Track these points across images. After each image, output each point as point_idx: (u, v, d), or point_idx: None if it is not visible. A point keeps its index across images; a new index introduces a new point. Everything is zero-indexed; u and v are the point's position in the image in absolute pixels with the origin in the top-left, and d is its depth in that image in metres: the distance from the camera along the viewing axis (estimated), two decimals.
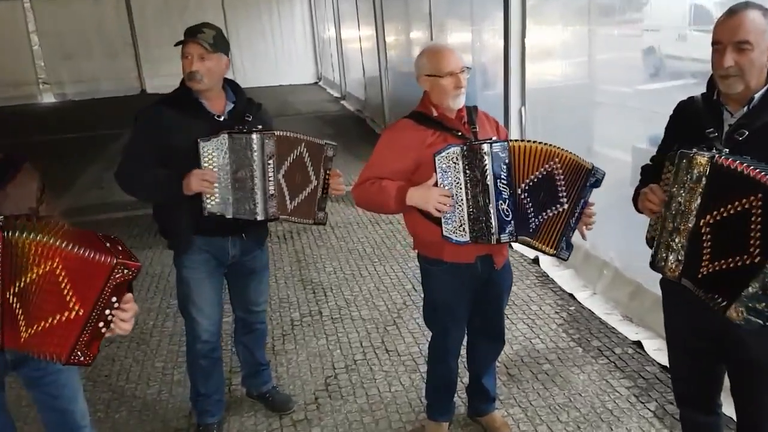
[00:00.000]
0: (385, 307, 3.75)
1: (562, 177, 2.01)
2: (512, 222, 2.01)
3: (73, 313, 1.47)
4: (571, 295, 3.72)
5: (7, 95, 12.90)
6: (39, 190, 1.82)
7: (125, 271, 1.46)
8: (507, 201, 1.99)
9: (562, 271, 4.01)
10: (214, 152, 2.20)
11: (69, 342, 1.49)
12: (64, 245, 1.47)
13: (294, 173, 2.30)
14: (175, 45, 2.27)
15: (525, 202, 2.02)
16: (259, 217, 2.23)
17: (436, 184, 2.02)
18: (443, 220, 2.04)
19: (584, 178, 2.01)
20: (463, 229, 2.04)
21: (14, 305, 1.53)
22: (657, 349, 3.07)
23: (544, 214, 2.04)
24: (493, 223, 1.99)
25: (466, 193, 2.00)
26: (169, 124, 2.24)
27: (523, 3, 4.05)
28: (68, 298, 1.47)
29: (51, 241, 1.48)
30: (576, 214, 2.03)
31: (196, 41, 2.20)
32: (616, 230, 3.36)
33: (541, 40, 4.13)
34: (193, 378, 2.58)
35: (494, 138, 2.08)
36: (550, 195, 2.02)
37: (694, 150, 1.62)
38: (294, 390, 2.96)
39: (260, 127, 2.27)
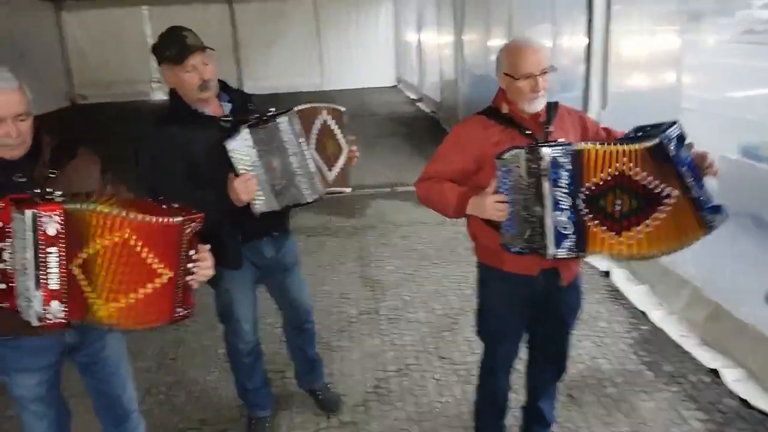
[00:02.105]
0: (443, 311, 3.47)
1: (638, 170, 1.67)
2: (573, 236, 1.69)
3: (165, 276, 1.48)
4: (643, 313, 3.27)
5: (124, 92, 13.71)
6: (101, 173, 1.76)
7: (192, 224, 1.48)
8: (565, 212, 1.67)
9: (635, 287, 3.55)
10: (242, 151, 1.95)
11: (168, 305, 1.50)
12: (125, 215, 1.45)
13: (324, 143, 2.04)
14: (176, 61, 1.98)
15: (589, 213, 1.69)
16: (309, 199, 2.01)
17: (495, 190, 1.73)
18: (502, 228, 1.75)
19: (664, 151, 1.63)
20: (521, 238, 1.73)
21: (78, 278, 1.47)
22: (737, 380, 2.63)
23: (646, 224, 1.69)
24: (549, 236, 1.69)
25: (526, 200, 1.70)
26: (182, 140, 1.97)
27: (608, 5, 3.67)
28: (154, 265, 1.47)
29: (114, 212, 1.44)
30: (693, 182, 1.66)
31: (200, 49, 1.96)
32: (697, 245, 2.91)
33: (624, 43, 3.72)
34: (239, 376, 2.47)
35: (562, 139, 1.73)
36: (634, 197, 1.68)
37: None
38: (345, 389, 2.76)
39: (273, 109, 1.99)
